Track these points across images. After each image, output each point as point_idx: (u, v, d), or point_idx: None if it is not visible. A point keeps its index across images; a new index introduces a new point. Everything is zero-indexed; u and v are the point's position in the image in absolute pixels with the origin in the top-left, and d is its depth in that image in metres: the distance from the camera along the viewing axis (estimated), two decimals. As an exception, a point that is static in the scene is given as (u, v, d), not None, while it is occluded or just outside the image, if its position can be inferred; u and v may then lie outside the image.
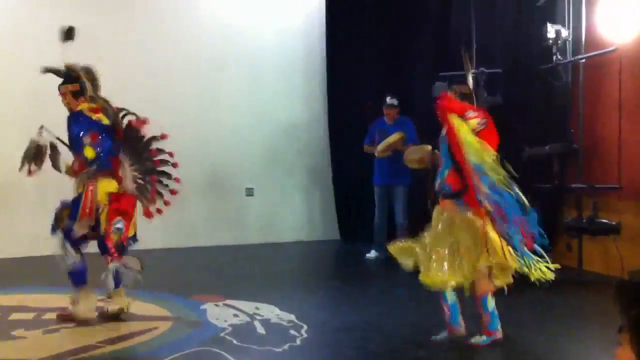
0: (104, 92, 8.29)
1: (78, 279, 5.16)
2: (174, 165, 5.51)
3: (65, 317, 5.16)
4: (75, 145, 5.25)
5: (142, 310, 5.45)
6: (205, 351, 4.36)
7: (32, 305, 5.53)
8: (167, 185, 5.49)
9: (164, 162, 5.52)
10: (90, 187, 5.14)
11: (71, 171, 5.27)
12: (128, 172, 5.38)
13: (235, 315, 5.28)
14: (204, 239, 9.18)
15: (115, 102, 8.39)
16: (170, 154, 5.52)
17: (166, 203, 5.52)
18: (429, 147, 5.93)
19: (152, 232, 8.88)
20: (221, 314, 5.34)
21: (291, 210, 9.70)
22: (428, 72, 8.27)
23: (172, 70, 9.10)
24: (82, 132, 5.19)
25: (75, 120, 5.26)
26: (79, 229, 5.11)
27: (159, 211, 5.52)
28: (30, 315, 5.28)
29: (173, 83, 9.10)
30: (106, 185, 5.20)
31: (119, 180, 5.30)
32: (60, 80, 5.37)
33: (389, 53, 9.36)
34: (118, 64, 8.73)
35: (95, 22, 8.64)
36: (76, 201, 5.16)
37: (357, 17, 9.68)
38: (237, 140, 9.47)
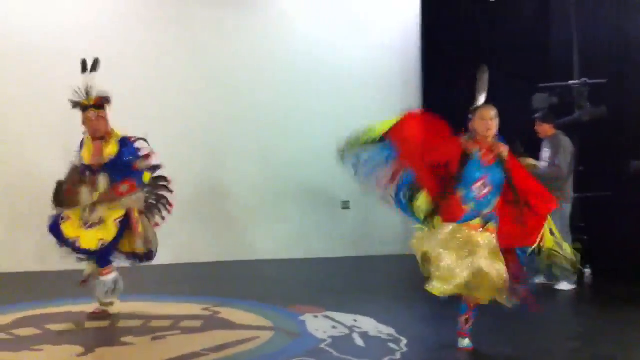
0: (199, 109, 8.80)
1: None
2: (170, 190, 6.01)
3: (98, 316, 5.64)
4: (124, 168, 5.54)
5: (244, 320, 5.57)
6: (306, 362, 4.42)
7: (140, 313, 5.75)
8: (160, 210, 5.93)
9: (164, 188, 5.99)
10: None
11: (115, 194, 5.53)
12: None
13: (334, 327, 5.30)
14: (300, 251, 9.29)
15: (205, 119, 8.84)
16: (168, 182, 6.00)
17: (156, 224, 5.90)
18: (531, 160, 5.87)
19: (250, 244, 9.14)
20: (320, 325, 5.37)
21: (389, 223, 9.65)
22: (528, 84, 8.11)
23: (266, 89, 9.27)
24: (131, 157, 5.55)
25: (125, 145, 5.57)
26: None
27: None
28: (138, 323, 5.48)
29: (268, 100, 9.28)
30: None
31: None
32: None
33: (487, 67, 9.21)
34: (210, 81, 9.03)
35: (183, 39, 8.96)
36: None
37: (453, 32, 9.59)
38: (334, 154, 9.53)
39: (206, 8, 9.09)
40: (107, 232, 5.47)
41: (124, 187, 5.54)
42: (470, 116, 4.76)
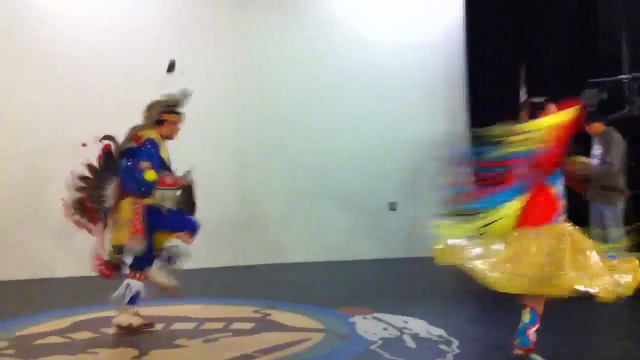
0: (240, 116, 8.82)
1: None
2: None
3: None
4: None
5: (295, 322, 5.61)
6: (357, 363, 4.42)
7: (193, 316, 5.83)
8: None
9: None
10: None
11: None
12: None
13: (385, 329, 5.31)
14: (349, 253, 9.30)
15: (249, 121, 8.80)
16: None
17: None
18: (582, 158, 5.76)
19: (298, 247, 9.18)
20: (370, 327, 5.38)
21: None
22: (575, 79, 7.96)
23: (314, 88, 9.33)
24: None
25: None
26: None
27: None
28: (191, 325, 5.56)
29: (316, 101, 9.33)
30: None
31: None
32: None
33: (532, 63, 9.09)
34: (249, 85, 9.09)
35: (215, 44, 9.05)
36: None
37: (497, 28, 9.50)
38: (379, 155, 9.54)
39: (249, 14, 9.20)
40: None
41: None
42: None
